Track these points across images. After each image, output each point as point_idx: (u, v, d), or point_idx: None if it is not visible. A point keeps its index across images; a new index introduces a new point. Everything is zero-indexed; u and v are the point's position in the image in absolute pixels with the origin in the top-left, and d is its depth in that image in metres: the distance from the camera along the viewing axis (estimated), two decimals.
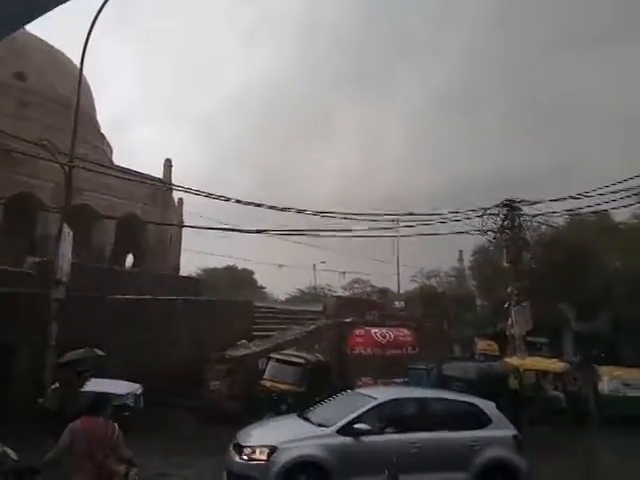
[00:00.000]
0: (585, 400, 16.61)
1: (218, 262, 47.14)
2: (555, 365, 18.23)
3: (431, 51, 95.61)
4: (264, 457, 6.95)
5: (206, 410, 12.90)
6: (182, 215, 30.38)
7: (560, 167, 71.78)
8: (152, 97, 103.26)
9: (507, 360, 18.62)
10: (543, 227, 30.93)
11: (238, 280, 46.46)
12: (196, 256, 32.77)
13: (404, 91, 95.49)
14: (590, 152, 76.49)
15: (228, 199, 15.12)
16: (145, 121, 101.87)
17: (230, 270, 47.96)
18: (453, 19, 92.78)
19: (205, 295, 20.39)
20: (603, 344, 39.78)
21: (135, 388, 11.58)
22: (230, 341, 15.52)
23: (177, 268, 29.04)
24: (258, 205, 16.30)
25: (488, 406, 8.15)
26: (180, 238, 29.86)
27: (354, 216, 18.92)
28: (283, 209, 16.80)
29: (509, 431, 7.92)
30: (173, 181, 25.37)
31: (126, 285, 16.29)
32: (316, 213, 16.84)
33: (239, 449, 7.27)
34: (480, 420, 7.91)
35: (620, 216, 43.11)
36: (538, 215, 21.86)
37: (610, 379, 16.53)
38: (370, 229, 19.60)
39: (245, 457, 7.08)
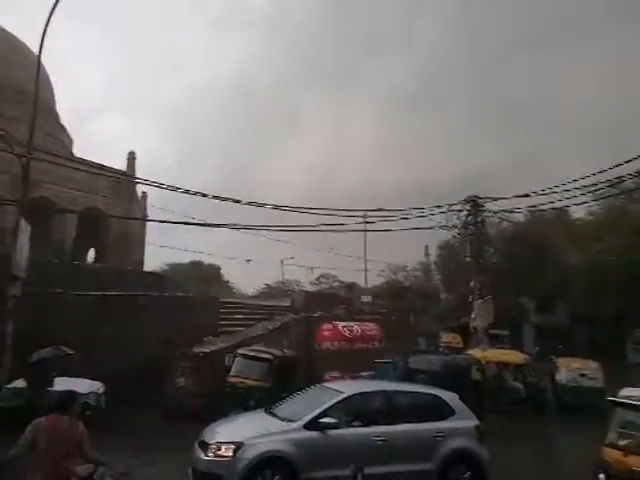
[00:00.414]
0: (543, 390, 17.25)
1: (184, 257, 46.47)
2: (515, 357, 18.84)
3: (398, 48, 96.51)
4: (230, 454, 6.90)
5: (171, 407, 12.73)
6: (146, 209, 29.73)
7: (522, 164, 73.88)
8: (116, 87, 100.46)
9: (470, 352, 19.12)
10: (505, 223, 31.87)
11: (204, 275, 45.93)
12: (161, 251, 32.22)
13: (372, 87, 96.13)
14: (550, 150, 78.98)
15: (194, 193, 14.90)
16: (108, 112, 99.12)
17: (196, 265, 47.36)
18: (420, 17, 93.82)
19: (170, 291, 20.02)
20: (561, 336, 41.33)
21: (97, 387, 11.33)
22: (196, 337, 15.34)
23: (141, 263, 28.43)
24: (223, 199, 16.14)
25: (451, 398, 8.33)
26: (144, 232, 29.23)
27: (322, 211, 19.02)
28: (249, 203, 16.68)
29: (471, 421, 8.13)
30: (137, 174, 24.81)
31: (88, 281, 15.87)
32: (276, 207, 16.80)
33: (204, 446, 7.20)
34: (444, 411, 8.09)
35: (577, 213, 44.80)
36: (500, 211, 22.47)
37: (567, 370, 17.21)
38: (338, 224, 19.74)
39: (211, 454, 7.02)
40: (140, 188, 28.12)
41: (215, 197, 15.96)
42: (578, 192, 16.90)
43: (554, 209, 23.76)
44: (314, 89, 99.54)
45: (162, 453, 9.63)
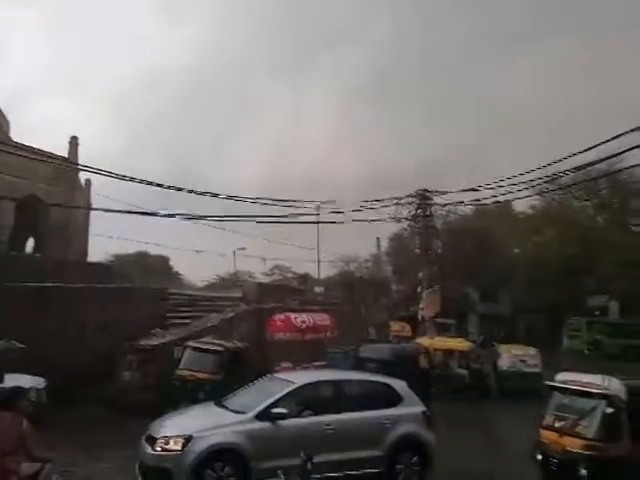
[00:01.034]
0: (486, 376, 18.06)
1: (131, 248, 44.97)
2: (461, 344, 19.61)
3: (353, 39, 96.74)
4: (178, 447, 6.81)
5: (118, 402, 12.39)
6: (90, 197, 28.47)
7: (470, 158, 76.22)
8: (58, 70, 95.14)
9: (418, 341, 19.69)
10: (452, 216, 32.88)
11: (152, 266, 44.69)
12: (107, 241, 31.00)
13: (327, 77, 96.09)
14: (497, 145, 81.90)
15: (141, 181, 14.43)
16: (50, 95, 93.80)
17: (144, 256, 45.98)
18: (375, 9, 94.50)
19: (116, 282, 19.34)
20: (503, 324, 43.30)
21: (38, 382, 10.83)
22: (143, 330, 14.93)
23: (84, 254, 27.27)
24: (177, 189, 15.75)
25: (399, 385, 8.55)
26: (88, 222, 28.01)
27: (275, 202, 18.94)
28: (203, 193, 16.37)
29: (418, 408, 8.38)
30: (80, 161, 23.69)
31: (26, 272, 15.07)
32: (230, 197, 16.60)
33: (152, 441, 7.06)
34: (392, 399, 8.29)
35: (520, 207, 46.84)
36: (448, 204, 23.18)
37: (508, 356, 18.08)
38: (291, 215, 19.73)
39: (158, 448, 6.90)
40: (84, 176, 26.89)
41: (170, 187, 15.57)
42: (520, 187, 17.67)
43: (498, 203, 24.75)
44: (268, 77, 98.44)
45: (108, 449, 9.37)
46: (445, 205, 23.15)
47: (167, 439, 6.93)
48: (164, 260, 48.68)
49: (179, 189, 15.39)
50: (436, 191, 22.44)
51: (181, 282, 47.02)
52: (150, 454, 6.95)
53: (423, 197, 22.58)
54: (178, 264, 51.83)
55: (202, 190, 16.46)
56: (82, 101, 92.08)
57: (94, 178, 27.03)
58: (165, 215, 16.58)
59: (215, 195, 16.26)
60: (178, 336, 14.81)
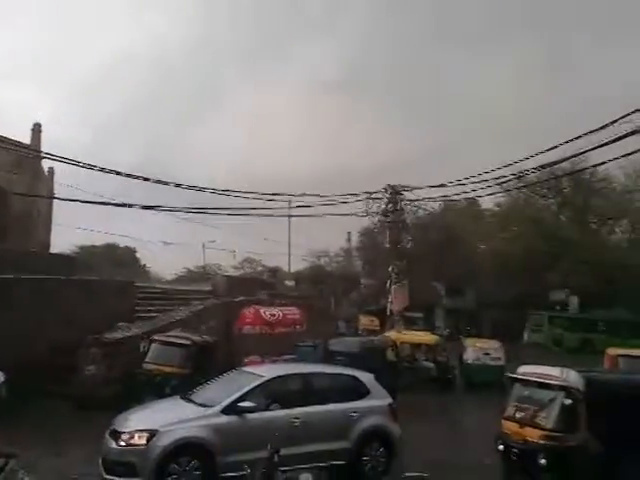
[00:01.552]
0: (452, 368, 18.45)
1: (97, 239, 43.81)
2: (427, 338, 19.98)
3: (324, 32, 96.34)
4: (143, 442, 6.72)
5: (81, 397, 12.11)
6: (53, 186, 27.55)
7: (439, 155, 77.30)
8: (20, 55, 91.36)
9: (386, 334, 19.95)
10: (420, 211, 33.34)
11: (119, 258, 43.69)
12: (72, 232, 30.09)
13: (296, 70, 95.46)
14: (465, 142, 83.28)
15: (109, 171, 14.06)
16: (11, 80, 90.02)
17: (110, 248, 44.92)
18: (345, 4, 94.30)
19: (81, 274, 18.82)
20: (469, 318, 44.28)
21: None
22: (109, 323, 14.60)
23: (47, 245, 26.43)
24: (136, 178, 15.39)
25: (367, 378, 8.65)
26: (51, 212, 27.13)
27: (246, 195, 18.78)
28: (176, 185, 16.08)
29: (385, 400, 8.50)
30: (43, 148, 22.86)
31: None
32: (199, 189, 16.37)
33: (116, 435, 6.96)
34: (360, 391, 8.39)
35: (486, 204, 47.86)
36: (417, 200, 23.46)
37: (473, 349, 18.51)
38: (262, 208, 19.61)
39: (122, 443, 6.80)
40: (47, 164, 25.99)
41: (137, 177, 15.21)
42: (487, 184, 18.04)
43: (465, 199, 25.25)
44: (238, 68, 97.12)
45: (71, 444, 9.16)
46: (414, 201, 23.42)
47: (132, 433, 6.85)
48: (131, 252, 47.70)
49: (146, 179, 15.07)
50: (406, 186, 22.69)
51: (149, 275, 46.19)
52: (114, 449, 6.85)
53: (393, 192, 22.79)
54: (146, 257, 50.87)
55: (174, 182, 16.21)
56: (47, 88, 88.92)
57: (58, 167, 26.16)
58: (131, 206, 16.20)
59: (178, 185, 15.93)
60: (144, 329, 14.55)
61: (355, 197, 21.51)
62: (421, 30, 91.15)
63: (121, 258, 44.38)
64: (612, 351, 15.51)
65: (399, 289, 22.96)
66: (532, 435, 6.03)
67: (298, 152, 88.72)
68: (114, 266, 37.25)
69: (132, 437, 6.80)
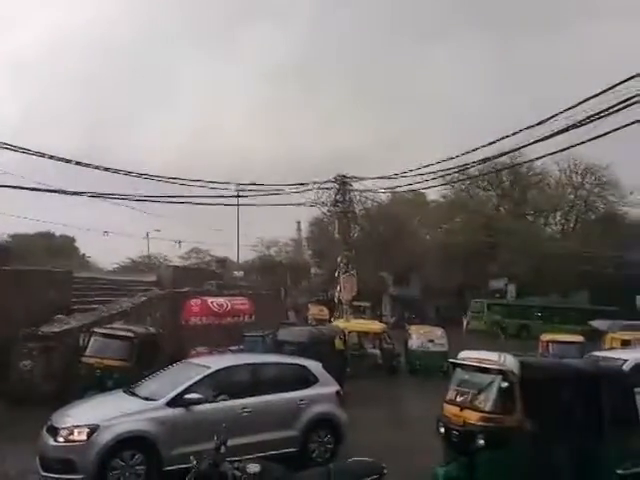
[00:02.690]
0: (398, 355, 18.98)
1: (32, 227, 41.46)
2: (374, 326, 20.44)
3: (276, 16, 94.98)
4: (83, 437, 6.51)
5: (16, 393, 11.52)
6: None
7: (390, 146, 78.55)
8: None
9: (335, 323, 20.21)
10: (369, 202, 33.87)
11: (56, 248, 41.59)
12: (3, 220, 28.26)
13: (248, 55, 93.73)
14: (415, 134, 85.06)
15: (42, 155, 13.28)
16: None
17: (47, 237, 42.65)
18: None
19: (14, 264, 17.76)
20: (414, 306, 45.59)
21: None
22: (45, 316, 13.90)
23: None
24: (85, 165, 14.69)
25: (315, 366, 8.74)
26: None
27: (193, 183, 18.35)
28: (115, 171, 15.43)
29: (332, 387, 8.64)
30: None
31: None
32: (145, 176, 15.84)
33: (54, 431, 6.69)
34: (308, 380, 8.47)
35: (432, 195, 49.22)
36: (365, 191, 23.79)
37: (417, 337, 19.10)
38: (209, 197, 19.23)
39: (61, 439, 6.56)
40: None
41: (77, 163, 14.46)
42: (433, 176, 18.56)
43: (412, 191, 25.85)
44: (186, 52, 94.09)
45: (5, 442, 8.69)
46: (362, 191, 23.73)
47: (71, 429, 6.62)
48: (70, 241, 45.53)
49: (86, 165, 14.38)
50: (354, 177, 22.93)
51: (89, 265, 44.31)
52: (52, 445, 6.60)
53: (342, 182, 22.97)
54: (85, 246, 48.75)
55: (114, 168, 15.56)
56: None
57: None
58: (63, 192, 15.35)
59: (116, 171, 15.31)
60: (84, 322, 13.97)
61: (305, 187, 21.55)
62: (376, 23, 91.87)
63: (58, 247, 42.28)
64: (545, 337, 16.61)
65: (348, 279, 23.27)
66: (471, 417, 6.29)
67: (248, 139, 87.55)
68: (51, 256, 35.44)
69: (71, 433, 6.58)
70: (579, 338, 16.03)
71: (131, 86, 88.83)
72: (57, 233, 43.50)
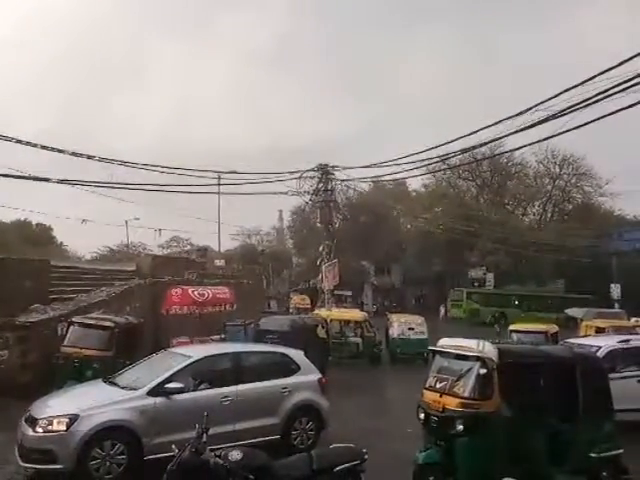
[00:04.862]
0: (379, 343, 19.19)
1: (7, 215, 40.49)
2: (355, 315, 20.60)
3: (255, 3, 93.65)
4: (63, 427, 6.44)
5: None
6: None
7: (371, 135, 78.62)
8: None
9: (317, 312, 20.30)
10: (351, 191, 33.94)
11: (33, 236, 40.73)
12: None
13: (227, 42, 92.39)
14: (396, 123, 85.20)
15: (17, 141, 12.91)
16: None
17: (23, 225, 41.72)
18: None
19: None
20: (395, 295, 46.02)
21: None
22: (21, 305, 13.62)
23: None
24: (60, 151, 14.31)
25: (297, 355, 8.78)
26: None
27: (173, 171, 18.09)
28: (100, 159, 15.07)
29: (314, 375, 8.69)
30: None
31: None
32: (124, 163, 15.55)
33: (33, 421, 6.61)
34: (290, 368, 8.50)
35: (414, 185, 49.50)
36: (348, 180, 23.80)
37: (398, 325, 19.33)
38: (190, 185, 19.00)
39: (40, 430, 6.48)
40: None
41: (53, 149, 14.06)
42: (414, 166, 18.65)
43: (394, 180, 25.94)
44: (165, 37, 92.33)
45: None
46: (345, 180, 23.73)
47: (50, 419, 6.55)
48: (47, 230, 44.63)
49: (60, 151, 14.03)
50: (336, 166, 22.91)
51: (66, 254, 43.54)
52: (30, 436, 6.53)
53: (324, 172, 22.93)
54: (63, 234, 47.87)
55: (94, 155, 15.19)
56: None
57: None
58: (40, 179, 14.95)
59: (90, 157, 14.94)
60: (62, 312, 13.74)
61: (287, 175, 21.45)
62: (354, 10, 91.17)
63: (35, 236, 41.42)
64: (511, 327, 17.08)
65: (329, 268, 23.34)
66: (450, 403, 6.40)
67: (230, 126, 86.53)
68: (27, 244, 34.71)
69: (50, 423, 6.51)
70: (543, 327, 16.24)
71: (104, 70, 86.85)
72: (34, 222, 42.56)
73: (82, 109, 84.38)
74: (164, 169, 17.63)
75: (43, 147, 13.87)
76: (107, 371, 8.68)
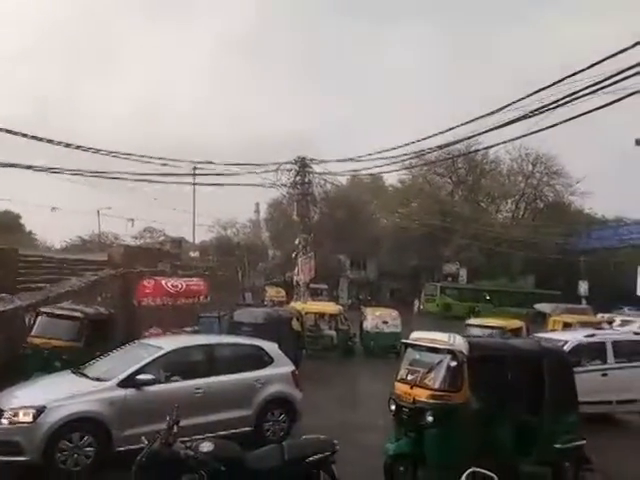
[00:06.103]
0: (353, 336, 19.33)
1: None
2: (330, 308, 20.68)
3: None
4: (29, 419, 6.31)
5: None
6: None
7: (348, 128, 78.61)
8: None
9: (292, 305, 20.31)
10: (328, 185, 33.97)
11: (0, 224, 39.51)
12: None
13: (203, 27, 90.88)
14: (373, 116, 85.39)
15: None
16: None
17: None
18: None
19: None
20: (370, 289, 46.37)
21: None
22: None
23: None
24: (38, 138, 13.92)
25: (270, 347, 8.76)
26: None
27: (149, 160, 17.79)
28: (74, 147, 14.71)
29: (288, 368, 8.70)
30: None
31: None
32: (96, 150, 15.21)
33: None
34: (263, 360, 8.49)
35: (390, 180, 49.82)
36: (325, 173, 23.82)
37: (372, 318, 19.49)
38: (165, 175, 18.72)
39: (5, 421, 6.34)
40: None
41: (24, 135, 13.64)
42: (391, 161, 18.78)
43: (370, 175, 26.06)
44: (136, 21, 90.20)
45: None
46: (322, 174, 23.73)
47: (16, 411, 6.41)
48: (15, 218, 43.35)
49: (33, 137, 13.64)
50: (313, 159, 22.89)
51: (36, 243, 42.43)
52: None
53: (302, 165, 22.88)
54: (31, 222, 46.60)
55: (66, 142, 14.83)
56: None
57: None
58: (9, 165, 14.52)
59: (68, 145, 14.61)
60: (30, 301, 13.39)
61: (264, 167, 21.33)
62: (334, 2, 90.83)
63: (2, 224, 40.20)
64: (468, 321, 17.20)
65: (305, 261, 23.37)
66: (421, 395, 6.51)
67: (204, 117, 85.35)
68: None
69: (16, 415, 6.37)
70: (501, 323, 15.99)
71: (76, 57, 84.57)
72: (1, 209, 41.32)
73: (53, 98, 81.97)
74: (138, 158, 17.31)
75: (8, 131, 13.44)
76: (76, 362, 8.51)
